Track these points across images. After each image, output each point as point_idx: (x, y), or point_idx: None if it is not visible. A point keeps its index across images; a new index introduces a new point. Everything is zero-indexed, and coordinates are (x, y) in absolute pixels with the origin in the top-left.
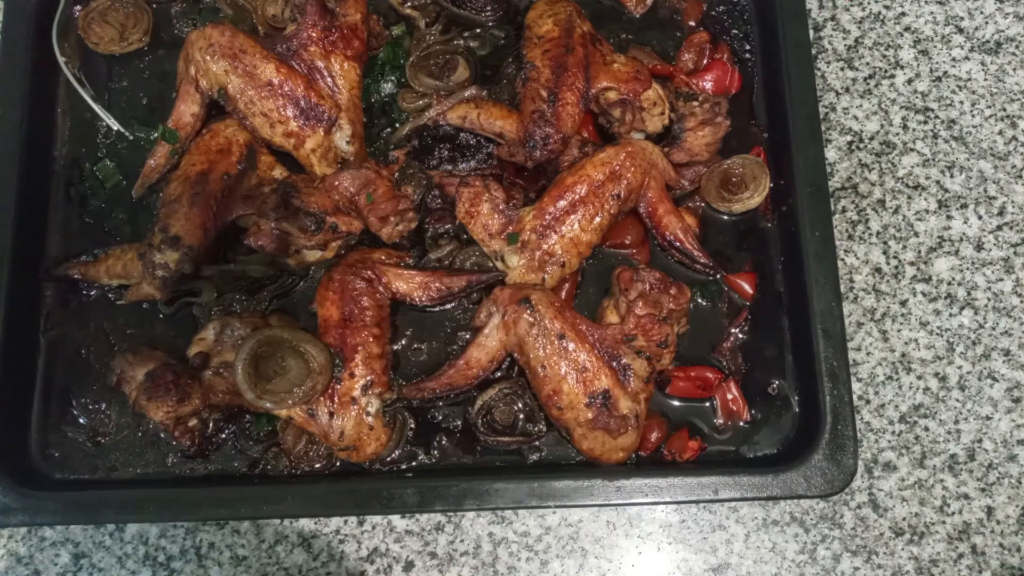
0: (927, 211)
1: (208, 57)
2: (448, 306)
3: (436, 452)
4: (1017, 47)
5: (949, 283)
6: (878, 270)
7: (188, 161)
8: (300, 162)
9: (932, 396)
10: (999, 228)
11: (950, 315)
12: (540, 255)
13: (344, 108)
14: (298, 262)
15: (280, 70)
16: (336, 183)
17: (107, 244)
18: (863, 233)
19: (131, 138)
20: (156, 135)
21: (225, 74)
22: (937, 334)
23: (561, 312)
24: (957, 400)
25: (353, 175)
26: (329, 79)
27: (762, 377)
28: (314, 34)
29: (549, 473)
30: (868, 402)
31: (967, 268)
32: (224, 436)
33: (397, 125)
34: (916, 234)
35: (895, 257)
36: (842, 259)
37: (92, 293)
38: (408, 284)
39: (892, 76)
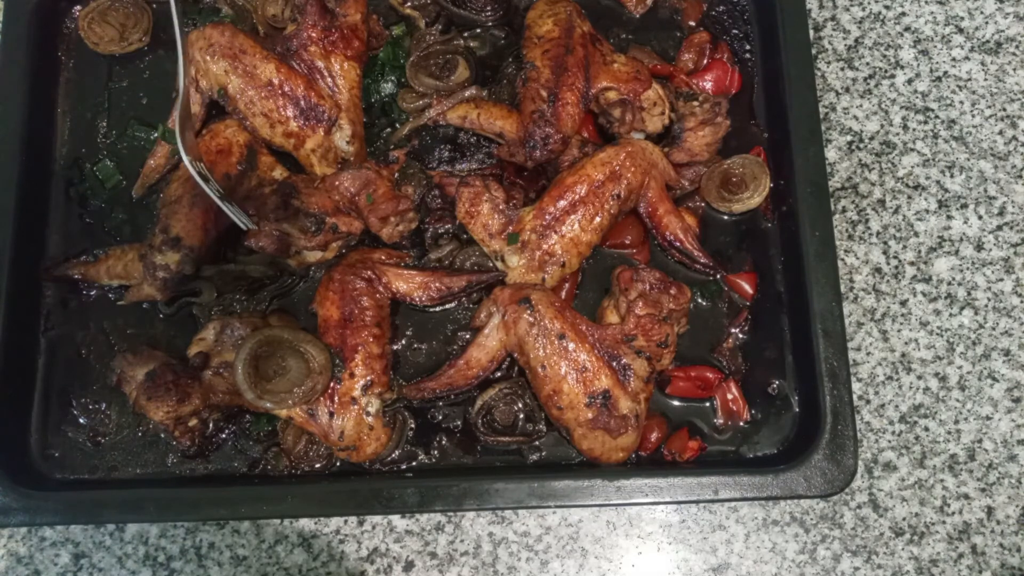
0: (927, 211)
1: (208, 57)
2: (448, 306)
3: (436, 452)
4: (1017, 47)
5: (949, 283)
6: (878, 270)
7: None
8: (300, 162)
9: (932, 396)
10: (999, 228)
11: (950, 315)
12: (540, 255)
13: (344, 108)
14: (299, 263)
15: (280, 70)
16: (336, 183)
17: (107, 244)
18: (863, 233)
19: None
20: (156, 135)
21: (225, 74)
22: (937, 334)
23: (561, 312)
24: (957, 400)
25: (353, 175)
26: (329, 79)
27: (762, 377)
28: (314, 34)
29: (549, 473)
30: (868, 402)
31: (967, 268)
32: (224, 436)
33: (397, 125)
34: (916, 234)
35: (895, 257)
36: (842, 259)
37: (92, 293)
38: (408, 284)
39: (892, 76)
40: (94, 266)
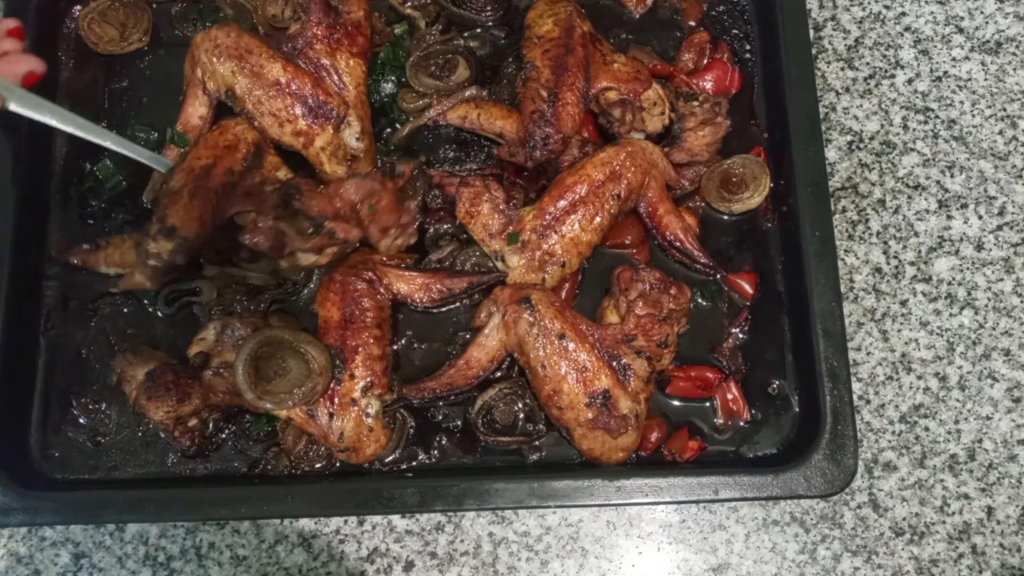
0: (927, 211)
1: (214, 59)
2: (449, 307)
3: (436, 452)
4: (1017, 47)
5: (949, 283)
6: (878, 270)
7: (194, 155)
8: (310, 161)
9: (932, 396)
10: (999, 228)
11: (950, 315)
12: (540, 255)
13: (352, 105)
14: (290, 264)
15: (287, 69)
16: (340, 190)
17: None
18: (863, 233)
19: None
20: (156, 135)
21: (232, 75)
22: (937, 334)
23: (561, 312)
24: (957, 400)
25: (358, 184)
26: (335, 76)
27: (762, 377)
28: (319, 32)
29: (549, 473)
30: (868, 402)
31: (967, 268)
32: (224, 436)
33: (397, 125)
34: (916, 234)
35: (895, 257)
36: (842, 259)
37: (97, 301)
38: (409, 285)
39: (892, 76)
40: (94, 254)
